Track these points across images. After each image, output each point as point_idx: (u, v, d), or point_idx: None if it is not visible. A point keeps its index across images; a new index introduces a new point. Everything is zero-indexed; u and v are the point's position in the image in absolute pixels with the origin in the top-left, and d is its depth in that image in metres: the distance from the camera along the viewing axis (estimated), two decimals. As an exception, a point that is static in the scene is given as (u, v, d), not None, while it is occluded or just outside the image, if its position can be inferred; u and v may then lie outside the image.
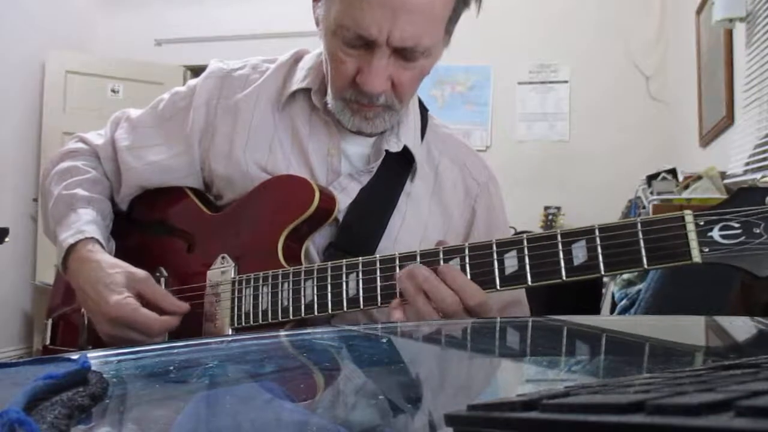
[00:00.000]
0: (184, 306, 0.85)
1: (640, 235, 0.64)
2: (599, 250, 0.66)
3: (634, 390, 0.22)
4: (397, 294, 0.74)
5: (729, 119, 2.74)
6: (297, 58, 0.99)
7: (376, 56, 0.80)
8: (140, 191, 1.00)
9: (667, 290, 1.47)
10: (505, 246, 0.71)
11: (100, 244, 0.89)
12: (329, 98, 0.89)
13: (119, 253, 0.96)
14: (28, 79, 4.19)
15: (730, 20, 2.60)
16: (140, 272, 0.85)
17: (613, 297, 2.30)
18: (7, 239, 3.16)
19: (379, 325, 0.78)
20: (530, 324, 0.74)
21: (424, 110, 1.02)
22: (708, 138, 3.09)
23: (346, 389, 0.41)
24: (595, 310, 2.36)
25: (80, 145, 1.04)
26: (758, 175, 2.28)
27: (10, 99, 4.04)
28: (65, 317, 1.00)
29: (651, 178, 2.95)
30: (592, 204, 3.81)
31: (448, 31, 0.85)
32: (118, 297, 0.81)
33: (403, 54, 0.81)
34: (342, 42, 0.81)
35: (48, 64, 4.28)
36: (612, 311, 2.37)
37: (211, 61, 1.02)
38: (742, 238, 0.60)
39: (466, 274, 0.72)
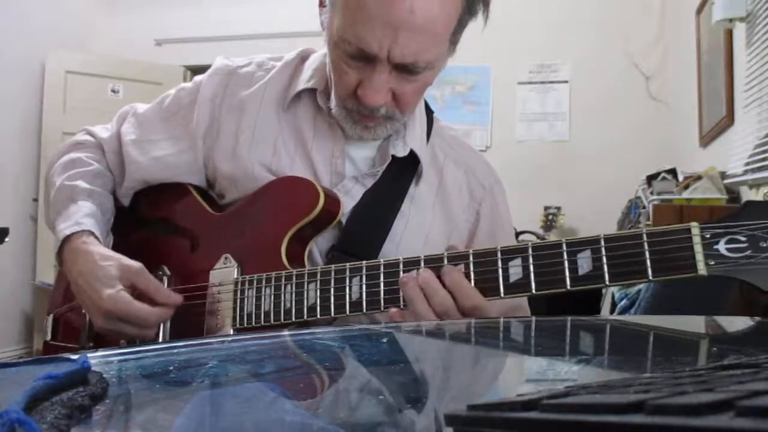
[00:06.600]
0: (178, 297, 0.85)
1: (646, 247, 0.63)
2: (604, 260, 0.65)
3: (634, 390, 0.22)
4: (401, 300, 0.74)
5: (729, 119, 2.74)
6: (303, 57, 0.99)
7: (376, 71, 0.79)
8: (143, 186, 1.00)
9: (668, 290, 1.47)
10: (509, 253, 0.71)
11: (96, 237, 0.89)
12: (332, 104, 0.89)
13: (122, 251, 0.96)
14: (28, 79, 4.19)
15: (730, 20, 2.59)
16: (134, 264, 0.85)
17: (613, 297, 2.30)
18: (7, 239, 3.16)
19: (381, 325, 0.78)
20: (531, 323, 0.74)
21: (429, 112, 1.02)
22: (708, 138, 3.08)
23: (346, 389, 0.41)
24: (595, 311, 2.36)
25: (87, 137, 1.05)
26: (758, 175, 2.29)
27: (10, 99, 4.04)
28: (66, 314, 1.01)
29: (651, 178, 2.95)
30: (592, 204, 3.81)
31: (453, 41, 0.84)
32: (111, 291, 0.80)
33: (405, 68, 0.80)
34: (344, 54, 0.80)
35: (48, 64, 4.28)
36: (612, 311, 2.37)
37: (217, 57, 1.02)
38: (748, 252, 0.60)
39: (470, 281, 0.72)
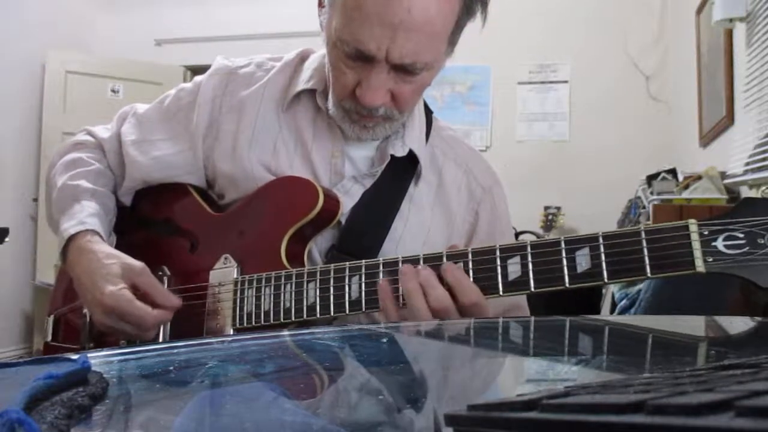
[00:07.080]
0: (177, 301, 0.85)
1: (644, 244, 0.63)
2: (603, 257, 0.65)
3: (634, 390, 0.22)
4: (400, 299, 0.74)
5: (729, 119, 2.74)
6: (303, 58, 0.99)
7: (374, 71, 0.80)
8: (143, 185, 1.01)
9: (667, 290, 1.47)
10: (508, 251, 0.71)
11: (100, 236, 0.89)
12: (330, 105, 0.89)
13: (123, 251, 0.96)
14: (28, 79, 4.19)
15: (730, 20, 2.60)
16: (137, 263, 0.85)
17: (613, 297, 2.30)
18: (7, 239, 3.16)
19: (381, 325, 0.78)
20: (531, 323, 0.74)
21: (428, 112, 1.02)
22: (708, 138, 3.09)
23: (346, 389, 0.41)
24: (595, 310, 2.36)
25: (87, 137, 1.05)
26: (758, 175, 2.29)
27: (10, 99, 4.04)
28: (67, 315, 1.01)
29: (651, 178, 2.95)
30: (592, 204, 3.81)
31: (452, 42, 0.84)
32: (113, 288, 0.81)
33: (403, 69, 0.80)
34: (342, 54, 0.80)
35: (48, 64, 4.28)
36: (612, 311, 2.37)
37: (217, 57, 1.02)
38: (746, 249, 0.60)
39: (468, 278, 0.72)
